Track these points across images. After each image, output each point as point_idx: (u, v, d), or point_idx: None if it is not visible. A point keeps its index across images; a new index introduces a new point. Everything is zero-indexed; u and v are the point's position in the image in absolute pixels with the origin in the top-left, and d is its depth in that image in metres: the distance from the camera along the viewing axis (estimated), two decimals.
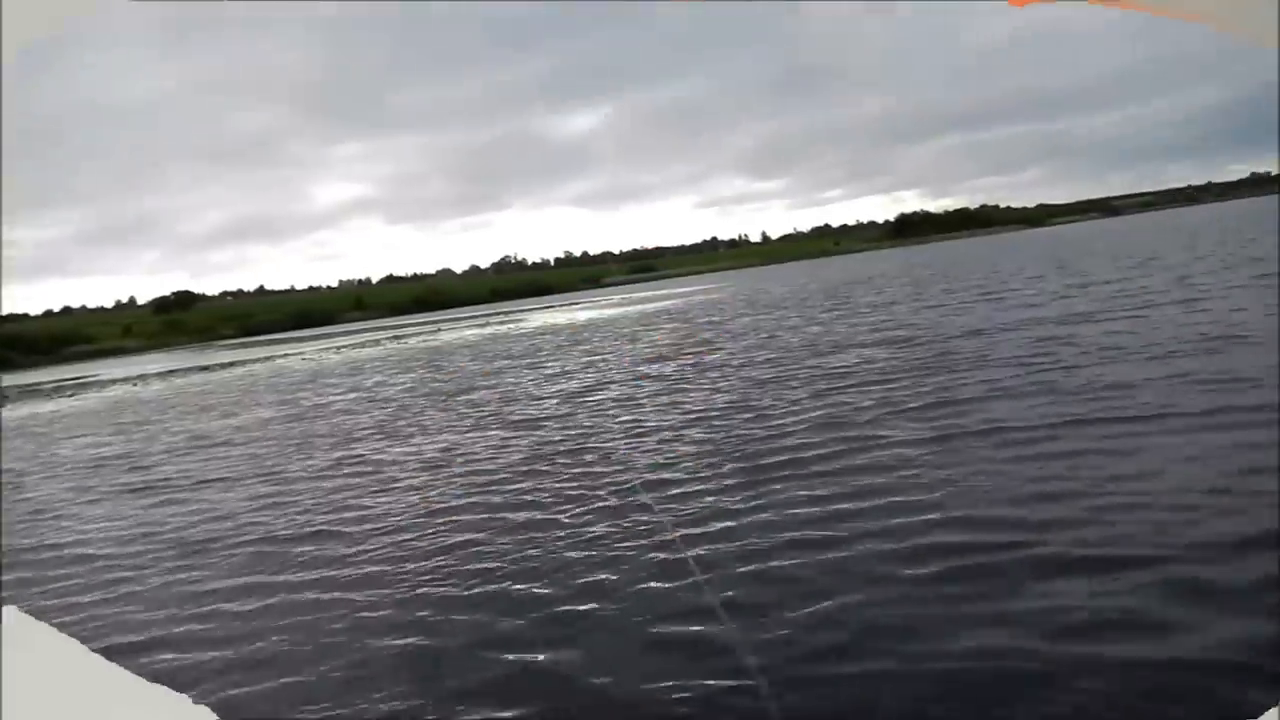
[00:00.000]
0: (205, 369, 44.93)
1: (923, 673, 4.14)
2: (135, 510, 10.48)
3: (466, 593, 5.97)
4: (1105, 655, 4.05)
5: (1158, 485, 6.23)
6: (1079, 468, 6.89)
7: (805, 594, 5.14)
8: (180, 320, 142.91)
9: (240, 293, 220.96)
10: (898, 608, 4.84)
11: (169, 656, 5.53)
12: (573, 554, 6.43)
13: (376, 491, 9.59)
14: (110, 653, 5.71)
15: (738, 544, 6.14)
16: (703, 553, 5.99)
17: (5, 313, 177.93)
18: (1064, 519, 5.80)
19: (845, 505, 6.72)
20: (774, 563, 5.71)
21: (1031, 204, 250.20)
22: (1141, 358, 11.17)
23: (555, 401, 14.75)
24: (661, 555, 6.11)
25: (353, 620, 5.74)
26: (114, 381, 44.44)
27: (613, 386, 15.79)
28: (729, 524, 6.64)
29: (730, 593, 5.27)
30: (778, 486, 7.55)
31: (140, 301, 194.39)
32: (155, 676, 5.11)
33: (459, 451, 11.34)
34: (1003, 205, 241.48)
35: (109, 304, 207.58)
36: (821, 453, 8.54)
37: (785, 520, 6.56)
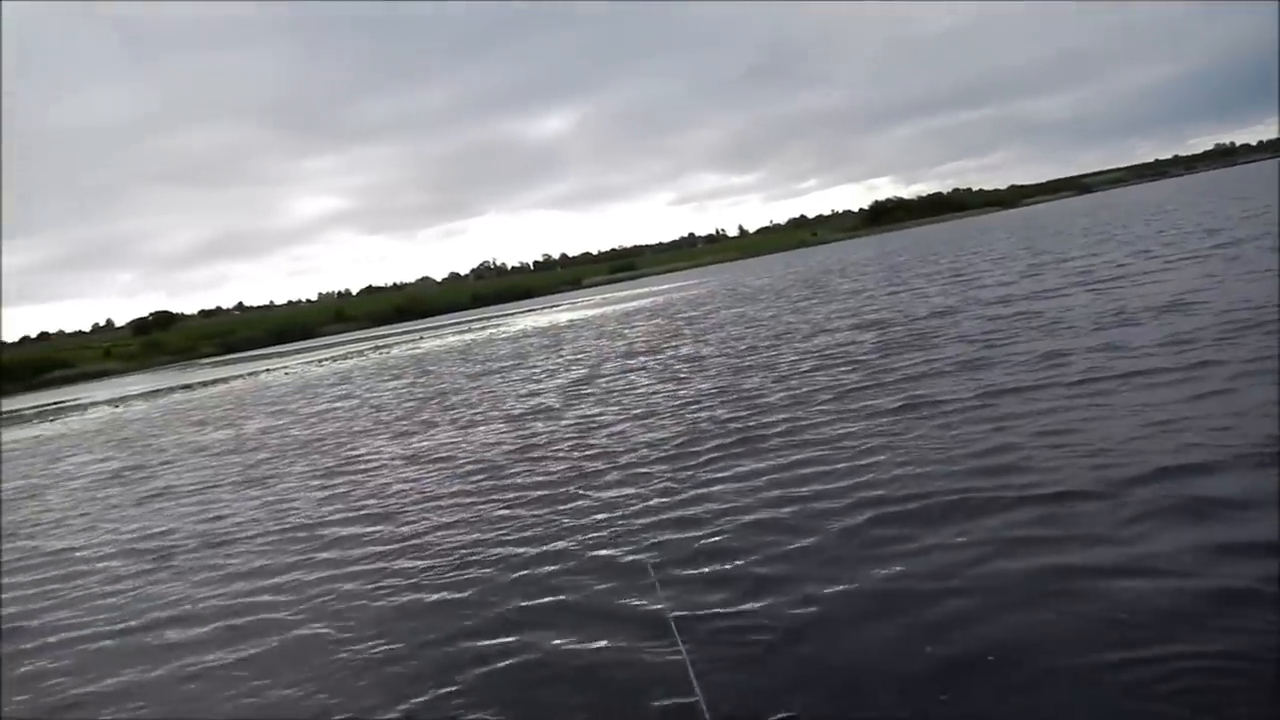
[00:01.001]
0: (188, 387, 45.15)
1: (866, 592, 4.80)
2: (151, 513, 11.03)
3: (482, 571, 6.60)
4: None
5: (1074, 439, 6.99)
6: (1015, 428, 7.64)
7: (760, 542, 5.80)
8: (160, 340, 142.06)
9: (219, 310, 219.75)
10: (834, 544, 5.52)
11: (203, 630, 6.14)
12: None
13: (382, 484, 10.20)
14: (150, 626, 6.34)
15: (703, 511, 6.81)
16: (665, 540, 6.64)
17: None
18: (988, 468, 6.65)
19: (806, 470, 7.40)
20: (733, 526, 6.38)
21: (1003, 185, 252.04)
22: (1086, 329, 11.93)
23: (541, 398, 15.36)
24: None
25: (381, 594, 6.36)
26: (96, 404, 44.63)
27: (599, 380, 16.41)
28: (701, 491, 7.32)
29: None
30: (756, 460, 8.23)
31: (119, 323, 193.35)
32: (187, 646, 5.74)
33: (460, 445, 11.94)
34: (975, 188, 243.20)
35: (86, 327, 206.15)
36: (803, 424, 9.21)
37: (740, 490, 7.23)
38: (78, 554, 9.47)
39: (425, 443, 12.78)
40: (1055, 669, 3.85)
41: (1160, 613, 4.14)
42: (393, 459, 11.96)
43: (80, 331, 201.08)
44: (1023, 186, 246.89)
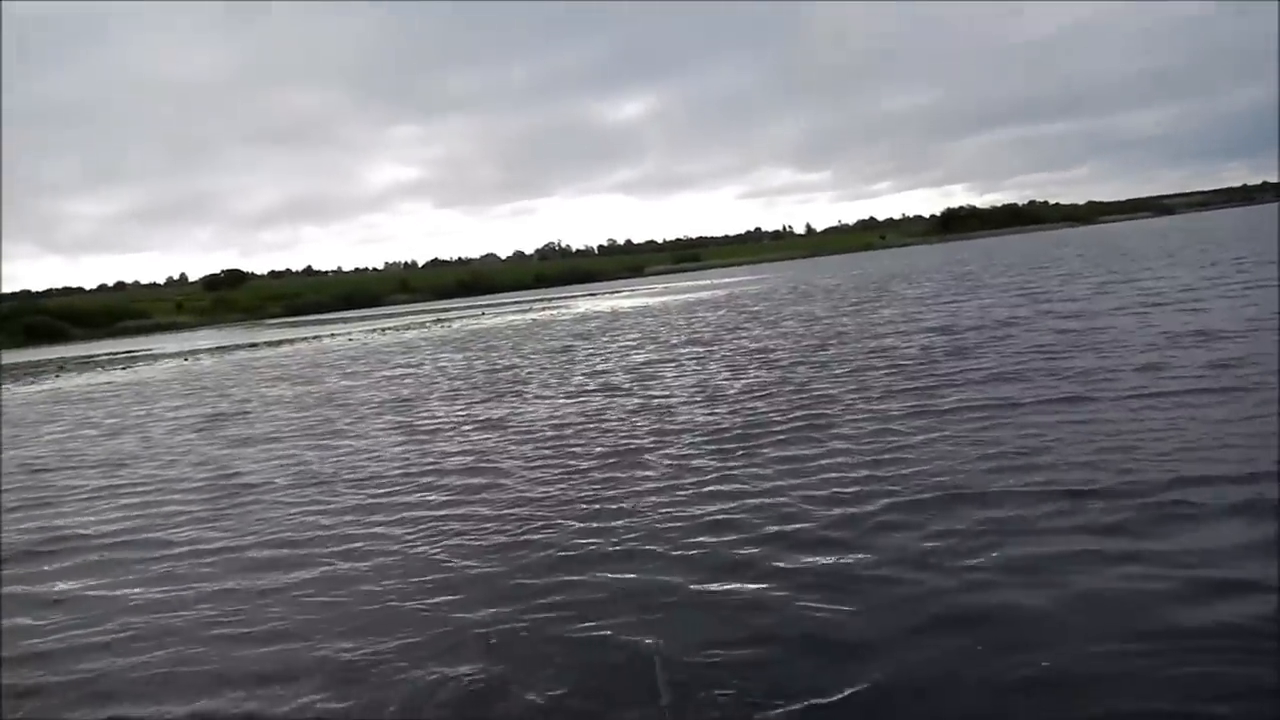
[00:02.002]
0: (254, 346, 46.48)
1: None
2: (247, 455, 11.77)
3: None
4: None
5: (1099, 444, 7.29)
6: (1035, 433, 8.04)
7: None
8: (230, 298, 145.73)
9: (288, 272, 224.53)
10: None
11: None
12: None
13: (457, 443, 10.82)
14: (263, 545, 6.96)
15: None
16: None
17: (61, 285, 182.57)
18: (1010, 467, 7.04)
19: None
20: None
21: (1081, 201, 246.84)
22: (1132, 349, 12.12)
23: (606, 377, 15.90)
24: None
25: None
26: (167, 355, 46.19)
27: (665, 366, 16.91)
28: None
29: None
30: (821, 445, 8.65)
31: (191, 278, 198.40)
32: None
33: (527, 416, 12.52)
34: (1051, 201, 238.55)
35: (161, 280, 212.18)
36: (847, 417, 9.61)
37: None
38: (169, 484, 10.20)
39: (496, 411, 13.38)
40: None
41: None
42: (463, 422, 12.58)
43: (155, 284, 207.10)
44: (1101, 203, 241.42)
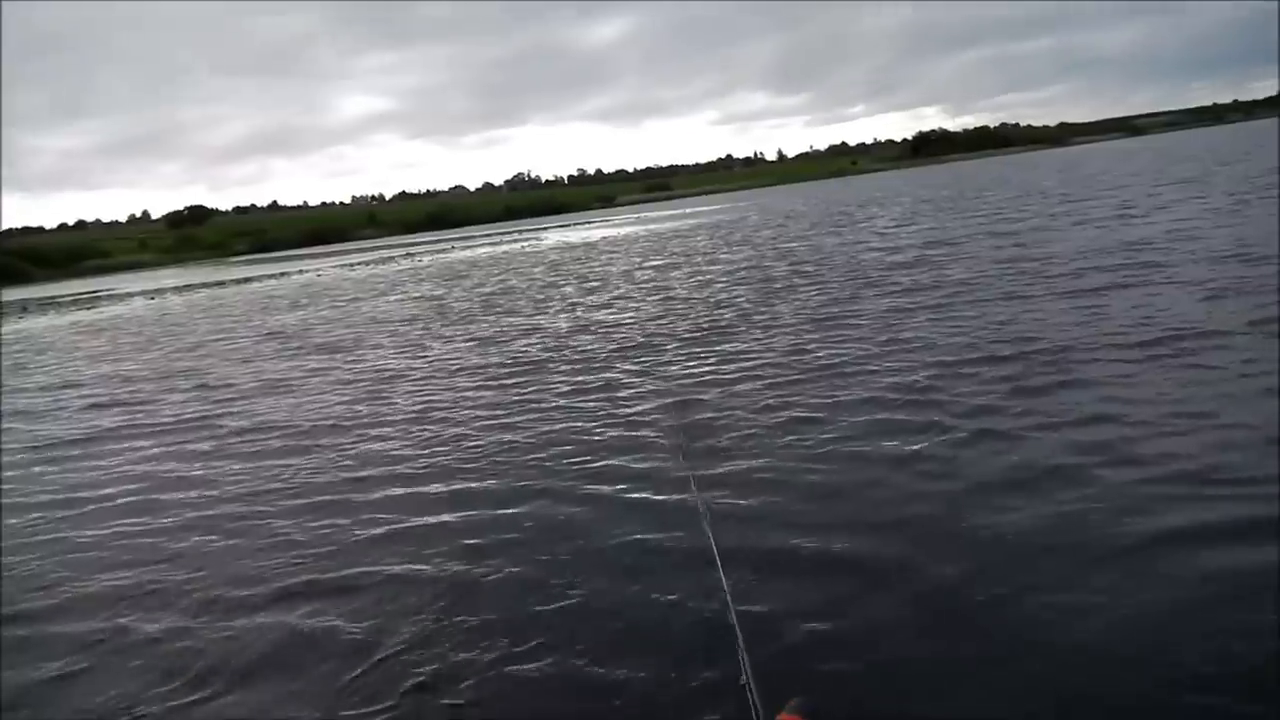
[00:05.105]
0: (220, 284, 45.62)
1: None
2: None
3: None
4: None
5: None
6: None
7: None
8: (194, 235, 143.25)
9: (253, 207, 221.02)
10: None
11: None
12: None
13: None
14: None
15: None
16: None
17: (21, 226, 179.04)
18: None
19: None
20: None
21: (1053, 122, 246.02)
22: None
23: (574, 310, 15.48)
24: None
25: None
26: (130, 295, 45.27)
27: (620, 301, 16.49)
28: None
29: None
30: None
31: (154, 216, 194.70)
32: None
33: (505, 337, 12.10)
34: (1023, 124, 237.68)
35: (123, 218, 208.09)
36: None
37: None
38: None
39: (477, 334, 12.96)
40: None
41: None
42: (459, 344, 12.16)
43: (116, 222, 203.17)
44: (1072, 125, 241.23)
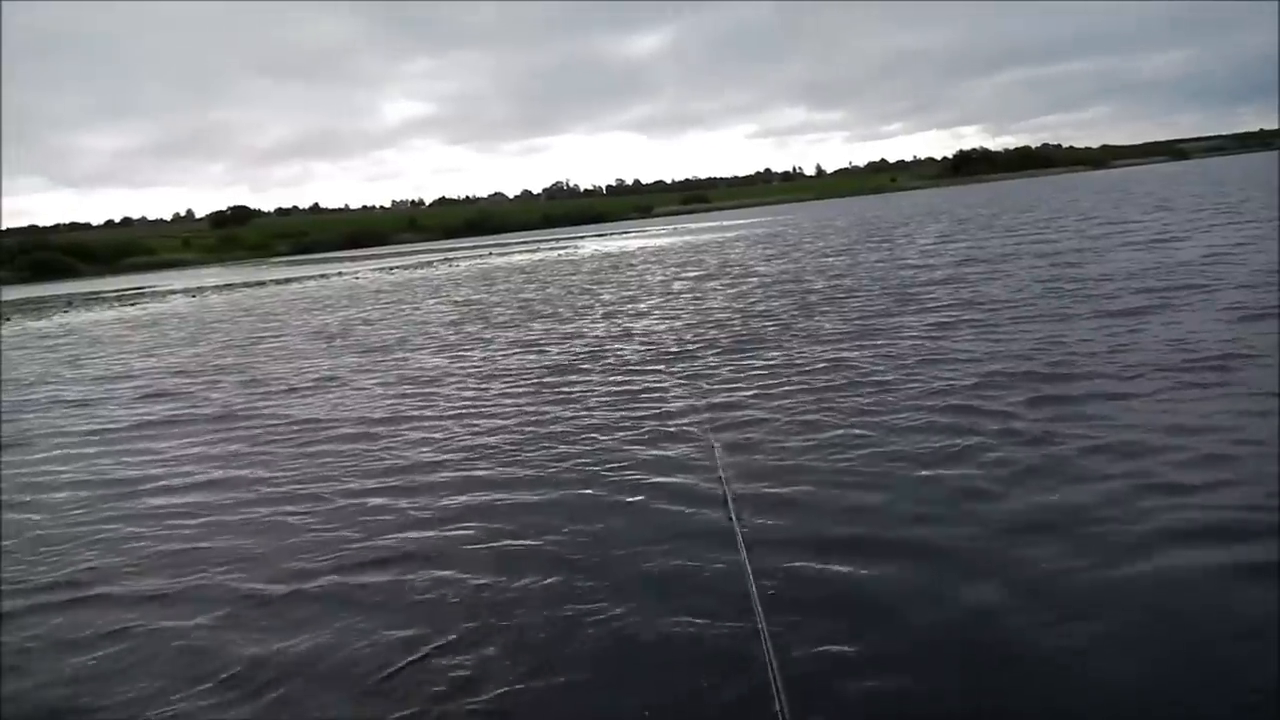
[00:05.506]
0: (262, 284, 46.26)
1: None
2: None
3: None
4: None
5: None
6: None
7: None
8: (236, 235, 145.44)
9: (295, 209, 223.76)
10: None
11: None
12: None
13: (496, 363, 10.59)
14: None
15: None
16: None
17: (69, 221, 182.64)
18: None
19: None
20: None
21: (1095, 144, 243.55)
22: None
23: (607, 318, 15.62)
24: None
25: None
26: (172, 292, 46.03)
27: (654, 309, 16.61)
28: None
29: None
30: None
31: (198, 215, 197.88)
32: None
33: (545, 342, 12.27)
34: (1065, 145, 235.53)
35: (167, 216, 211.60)
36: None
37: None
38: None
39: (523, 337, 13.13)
40: None
41: None
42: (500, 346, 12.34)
43: (161, 220, 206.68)
44: (1114, 147, 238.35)
